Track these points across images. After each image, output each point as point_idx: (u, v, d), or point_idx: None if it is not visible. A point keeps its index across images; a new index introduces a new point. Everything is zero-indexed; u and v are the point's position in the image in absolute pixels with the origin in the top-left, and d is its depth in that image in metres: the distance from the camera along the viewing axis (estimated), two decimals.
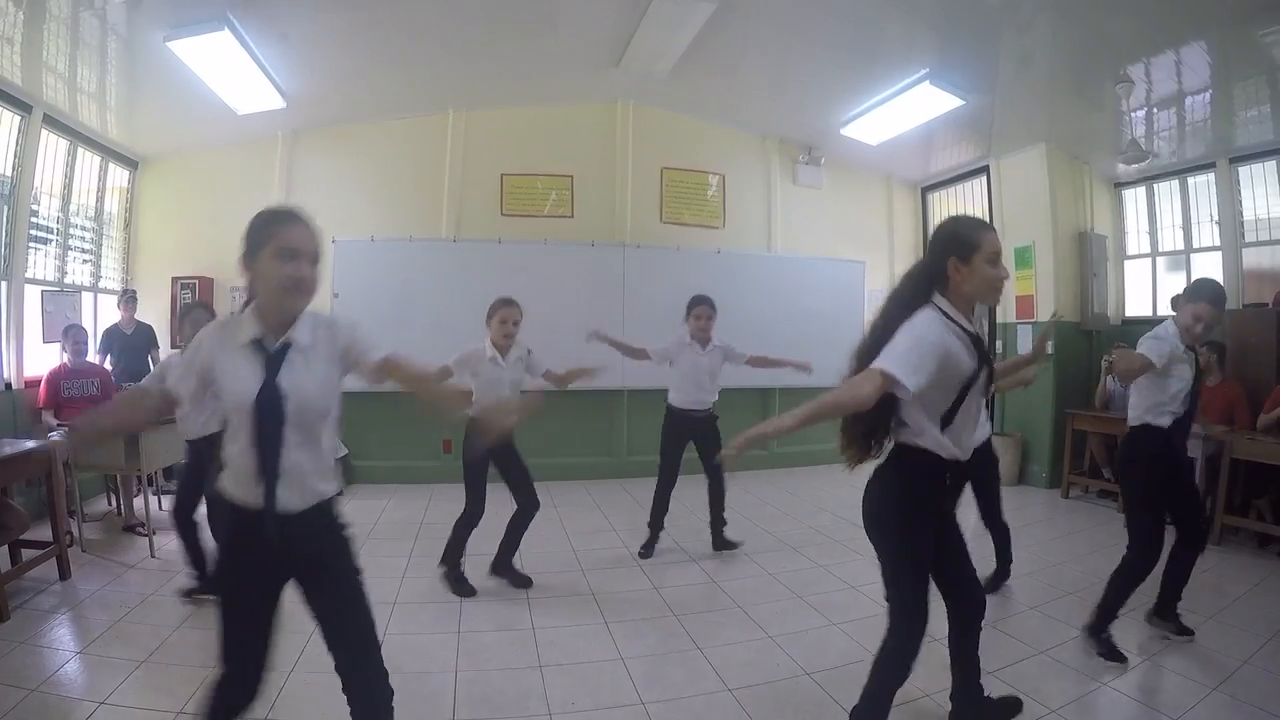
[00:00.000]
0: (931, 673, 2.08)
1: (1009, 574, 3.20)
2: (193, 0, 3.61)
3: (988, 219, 6.41)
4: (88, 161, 4.97)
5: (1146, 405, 2.47)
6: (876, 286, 6.77)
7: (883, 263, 6.88)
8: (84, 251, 5.03)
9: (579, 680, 2.32)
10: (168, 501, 4.64)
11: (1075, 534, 4.12)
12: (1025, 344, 5.60)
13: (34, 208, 4.42)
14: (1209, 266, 5.40)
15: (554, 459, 5.34)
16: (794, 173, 6.49)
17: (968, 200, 6.76)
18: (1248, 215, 5.15)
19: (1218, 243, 5.32)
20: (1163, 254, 5.92)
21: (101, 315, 5.10)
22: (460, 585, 3.07)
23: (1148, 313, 6.05)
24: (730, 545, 3.76)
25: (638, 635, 2.68)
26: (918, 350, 1.50)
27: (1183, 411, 2.44)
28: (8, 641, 2.45)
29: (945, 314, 1.60)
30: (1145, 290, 6.10)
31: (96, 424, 1.52)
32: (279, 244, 1.32)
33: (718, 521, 3.74)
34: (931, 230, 2.32)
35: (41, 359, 4.39)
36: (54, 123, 4.49)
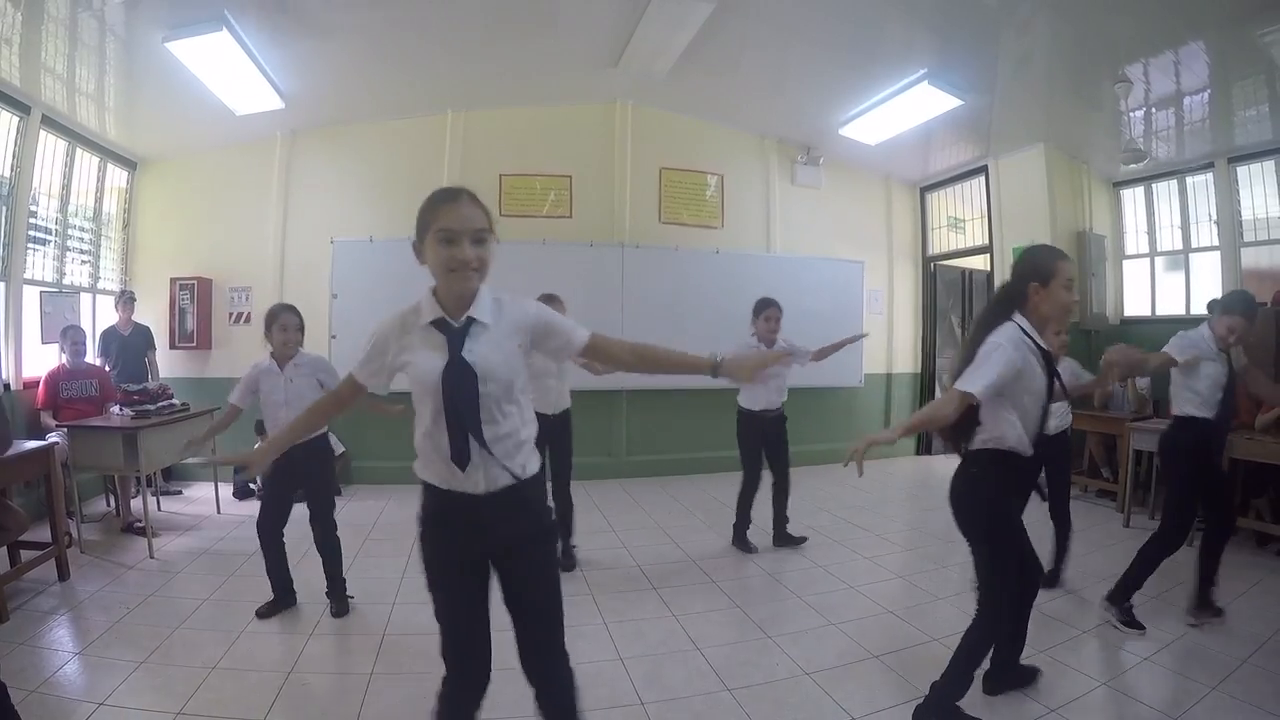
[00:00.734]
0: (929, 674, 2.08)
1: (1063, 572, 3.20)
2: (191, 1, 3.61)
3: (986, 219, 6.43)
4: (86, 162, 4.96)
5: (1183, 397, 2.73)
6: (875, 286, 6.78)
7: (881, 262, 6.89)
8: (82, 252, 5.03)
9: (578, 680, 2.31)
10: (168, 502, 4.66)
11: (1074, 533, 4.10)
12: None
13: (32, 208, 4.42)
14: (1207, 266, 5.42)
15: None
16: (793, 173, 6.48)
17: (967, 200, 6.76)
18: (1246, 215, 5.16)
19: (1216, 242, 5.33)
20: (1161, 254, 5.94)
21: (100, 316, 5.10)
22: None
23: (1146, 312, 6.06)
24: (793, 541, 3.79)
25: (637, 635, 2.68)
26: (992, 365, 1.78)
27: (1222, 410, 2.65)
28: (7, 642, 2.45)
29: (1024, 330, 1.86)
30: (1144, 290, 6.12)
31: (284, 441, 1.64)
32: (438, 227, 1.32)
33: (780, 518, 3.80)
34: (1010, 258, 2.63)
35: (40, 360, 4.40)
36: (52, 123, 4.49)
